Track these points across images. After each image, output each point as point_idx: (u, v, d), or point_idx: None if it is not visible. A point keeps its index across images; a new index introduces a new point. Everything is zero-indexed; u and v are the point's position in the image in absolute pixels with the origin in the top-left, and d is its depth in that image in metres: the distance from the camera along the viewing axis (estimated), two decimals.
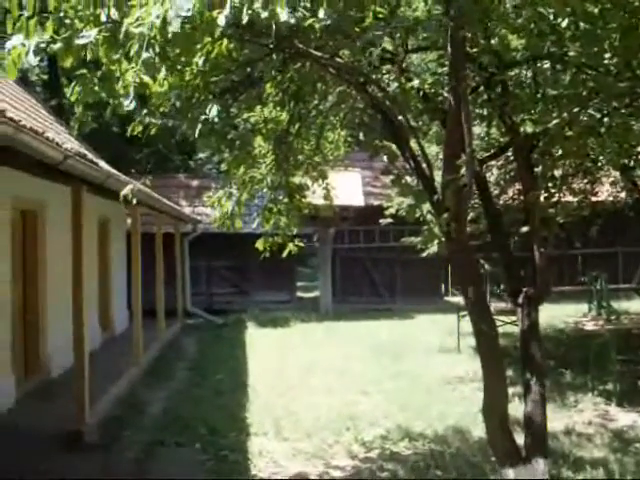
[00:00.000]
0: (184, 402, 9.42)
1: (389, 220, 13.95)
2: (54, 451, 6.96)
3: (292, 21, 3.51)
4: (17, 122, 4.14)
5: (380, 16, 4.76)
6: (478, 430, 7.23)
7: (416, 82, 5.63)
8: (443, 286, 22.88)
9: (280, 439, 7.73)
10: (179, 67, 4.15)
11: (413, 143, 5.84)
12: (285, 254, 7.95)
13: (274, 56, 5.63)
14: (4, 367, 8.65)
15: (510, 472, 5.14)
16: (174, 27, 3.24)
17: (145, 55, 3.42)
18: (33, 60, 3.40)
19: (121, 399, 9.16)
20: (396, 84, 5.70)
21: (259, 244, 7.71)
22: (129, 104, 3.59)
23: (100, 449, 7.10)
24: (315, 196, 8.50)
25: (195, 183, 22.64)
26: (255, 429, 8.05)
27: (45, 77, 28.15)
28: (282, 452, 7.27)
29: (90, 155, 6.14)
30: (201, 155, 29.03)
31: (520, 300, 5.73)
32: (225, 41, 4.63)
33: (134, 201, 4.89)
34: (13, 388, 8.77)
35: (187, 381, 10.97)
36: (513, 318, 10.47)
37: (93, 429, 7.49)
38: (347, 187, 18.50)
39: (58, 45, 3.46)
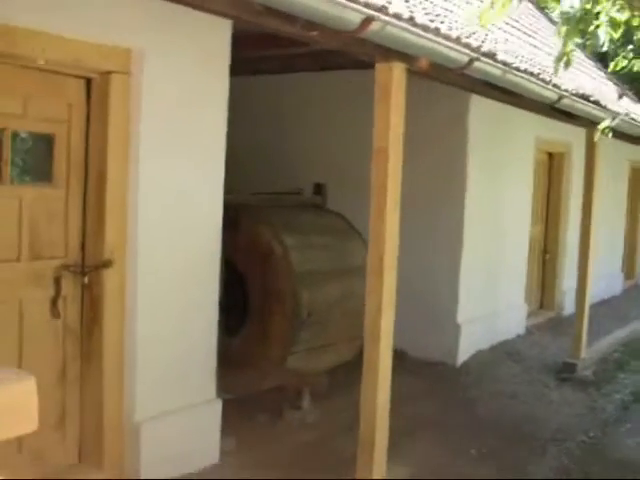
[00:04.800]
0: None
1: None
2: (546, 378, 7.42)
3: None
4: (509, 64, 4.55)
5: None
6: None
7: None
8: None
9: None
10: None
11: None
12: None
13: None
14: (518, 298, 9.38)
15: None
16: None
17: None
18: (516, 5, 3.73)
19: (624, 343, 9.15)
20: None
21: None
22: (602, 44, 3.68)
23: (590, 385, 7.31)
24: None
25: None
26: None
27: None
28: None
29: (598, 97, 6.23)
30: None
31: None
32: None
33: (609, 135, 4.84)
34: (524, 318, 9.46)
35: None
36: None
37: (587, 365, 7.73)
38: None
39: None
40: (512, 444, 5.67)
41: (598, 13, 3.81)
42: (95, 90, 4.24)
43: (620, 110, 6.67)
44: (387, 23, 3.27)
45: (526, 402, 6.75)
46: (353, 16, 3.16)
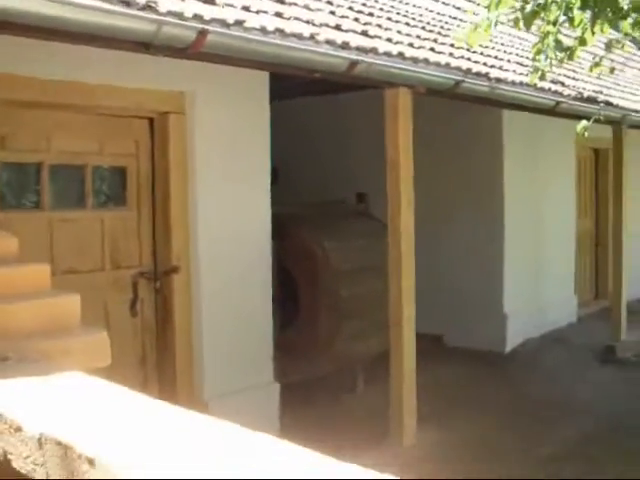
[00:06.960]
0: None
1: None
2: (587, 360, 7.99)
3: None
4: (502, 80, 5.21)
5: None
6: None
7: None
8: None
9: None
10: None
11: None
12: None
13: None
14: (568, 289, 9.90)
15: None
16: None
17: None
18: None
19: None
20: None
21: None
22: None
23: (629, 364, 7.83)
24: None
25: None
26: None
27: None
28: None
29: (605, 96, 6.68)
30: None
31: None
32: None
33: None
34: (575, 308, 9.97)
35: None
36: None
37: (628, 347, 8.23)
38: None
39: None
40: (542, 417, 6.30)
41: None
42: (157, 128, 5.18)
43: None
44: (371, 64, 4.04)
45: (566, 382, 7.34)
46: (339, 62, 3.94)
